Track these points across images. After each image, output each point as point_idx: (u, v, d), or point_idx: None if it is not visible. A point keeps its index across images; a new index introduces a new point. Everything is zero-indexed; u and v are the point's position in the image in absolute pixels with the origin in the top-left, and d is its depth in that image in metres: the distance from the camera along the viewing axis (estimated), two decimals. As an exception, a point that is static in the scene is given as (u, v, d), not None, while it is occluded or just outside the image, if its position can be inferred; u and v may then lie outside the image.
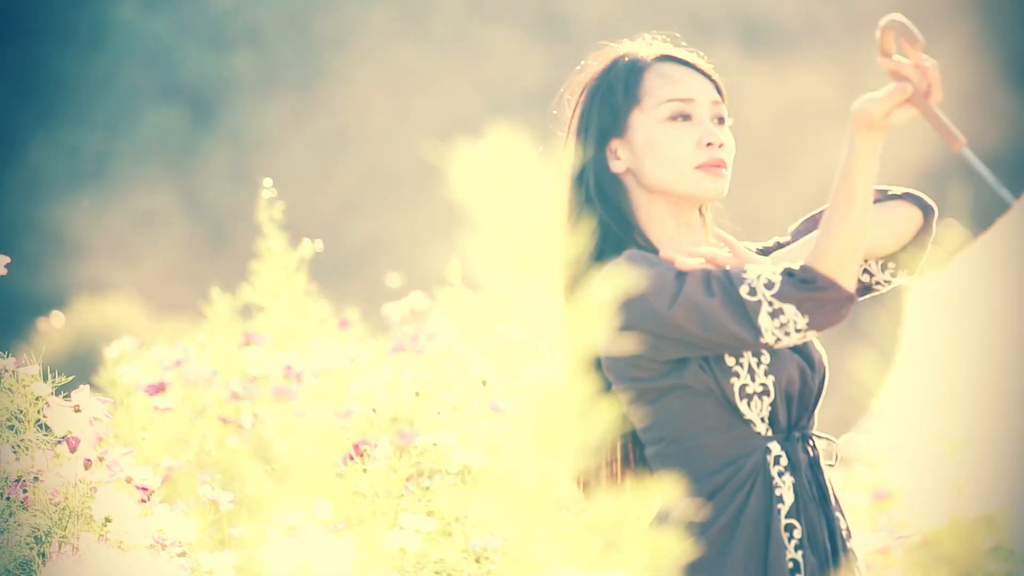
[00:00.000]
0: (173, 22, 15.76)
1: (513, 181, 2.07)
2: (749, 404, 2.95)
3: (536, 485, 2.04)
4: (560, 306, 2.98)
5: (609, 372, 2.96)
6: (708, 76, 3.08)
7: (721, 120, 3.06)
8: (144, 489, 3.35)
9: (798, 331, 2.84)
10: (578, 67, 3.14)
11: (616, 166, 3.04)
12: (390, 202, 13.88)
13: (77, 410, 3.35)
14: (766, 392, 2.96)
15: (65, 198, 15.22)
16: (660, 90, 3.03)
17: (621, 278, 2.87)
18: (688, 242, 3.05)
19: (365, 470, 3.76)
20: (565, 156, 3.09)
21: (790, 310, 2.83)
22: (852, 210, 2.82)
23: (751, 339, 2.84)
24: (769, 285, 2.84)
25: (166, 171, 15.53)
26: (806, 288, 2.84)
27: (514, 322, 4.44)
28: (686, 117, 3.02)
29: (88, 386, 3.42)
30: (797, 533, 2.95)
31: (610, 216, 3.02)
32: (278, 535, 3.39)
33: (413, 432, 4.49)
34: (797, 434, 3.01)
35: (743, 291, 2.85)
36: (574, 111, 3.10)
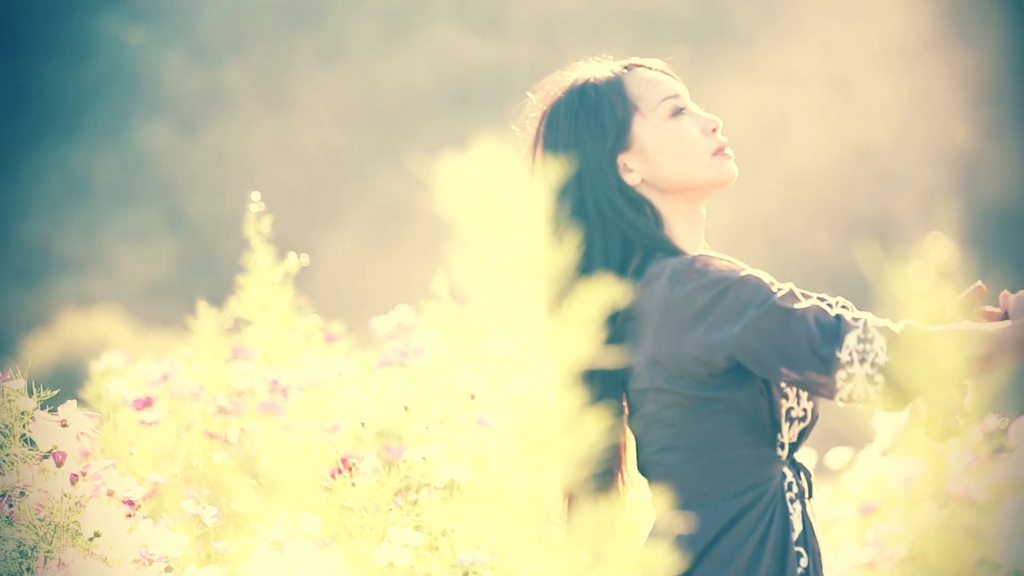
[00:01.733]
0: (159, 37, 15.77)
1: (499, 194, 2.07)
2: (790, 427, 2.94)
3: (524, 499, 2.03)
4: (551, 321, 2.96)
5: (652, 371, 2.92)
6: (670, 75, 3.10)
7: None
8: (129, 503, 3.34)
9: (874, 366, 2.77)
10: (528, 102, 3.11)
11: (630, 179, 3.02)
12: (377, 215, 13.88)
13: (63, 425, 3.34)
14: (804, 418, 2.96)
15: (52, 213, 15.21)
16: (651, 92, 3.03)
17: (707, 280, 2.85)
18: (698, 241, 3.04)
19: (352, 484, 3.75)
20: (542, 188, 3.06)
21: (879, 342, 2.79)
22: (1002, 363, 2.83)
23: (825, 350, 2.77)
24: (876, 319, 2.82)
25: (152, 186, 15.52)
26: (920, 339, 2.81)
27: (502, 336, 4.44)
28: (682, 111, 3.03)
29: (74, 401, 3.41)
30: (804, 562, 2.94)
31: (642, 229, 2.99)
32: (265, 550, 3.38)
33: (400, 446, 4.48)
34: (795, 462, 3.00)
35: (846, 312, 2.83)
36: (540, 146, 3.06)
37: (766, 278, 2.86)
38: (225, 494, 4.40)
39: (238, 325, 5.59)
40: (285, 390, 4.77)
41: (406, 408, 3.92)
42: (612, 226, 2.99)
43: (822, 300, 3.08)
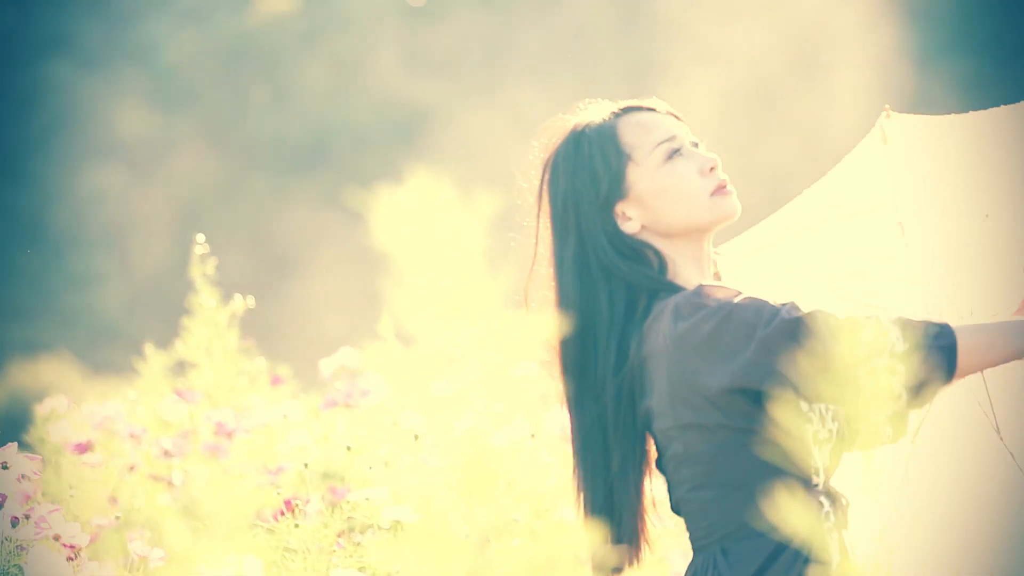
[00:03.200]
0: (110, 81, 15.74)
1: (439, 231, 2.07)
2: (819, 451, 2.91)
3: (467, 539, 2.04)
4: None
5: (675, 409, 2.90)
6: (664, 111, 3.05)
7: (696, 145, 3.02)
8: (72, 547, 3.32)
9: (892, 356, 2.73)
10: (530, 152, 3.08)
11: (630, 227, 2.99)
12: (327, 258, 13.87)
13: (4, 467, 3.33)
14: (829, 439, 2.92)
15: (1, 259, 15.14)
16: (644, 138, 2.99)
17: (718, 310, 2.81)
18: (706, 277, 3.01)
19: (296, 525, 3.74)
20: (547, 242, 3.03)
21: (895, 332, 2.76)
22: (1013, 355, 2.82)
23: None
24: (894, 316, 2.78)
25: (103, 230, 15.48)
26: (936, 328, 2.78)
27: (446, 377, 4.43)
28: (678, 152, 2.98)
29: (16, 444, 3.39)
30: None
31: (643, 277, 2.96)
32: (207, 592, 3.36)
33: (345, 488, 4.47)
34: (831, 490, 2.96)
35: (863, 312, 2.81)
36: (544, 196, 3.04)
37: (766, 297, 2.83)
38: (168, 536, 4.38)
39: (184, 367, 5.57)
40: (230, 432, 4.75)
41: (349, 448, 3.91)
42: (614, 276, 2.97)
43: None
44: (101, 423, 4.79)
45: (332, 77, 15.11)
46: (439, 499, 2.14)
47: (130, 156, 15.50)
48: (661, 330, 2.87)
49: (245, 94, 15.39)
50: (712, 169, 2.98)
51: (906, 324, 2.76)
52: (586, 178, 2.99)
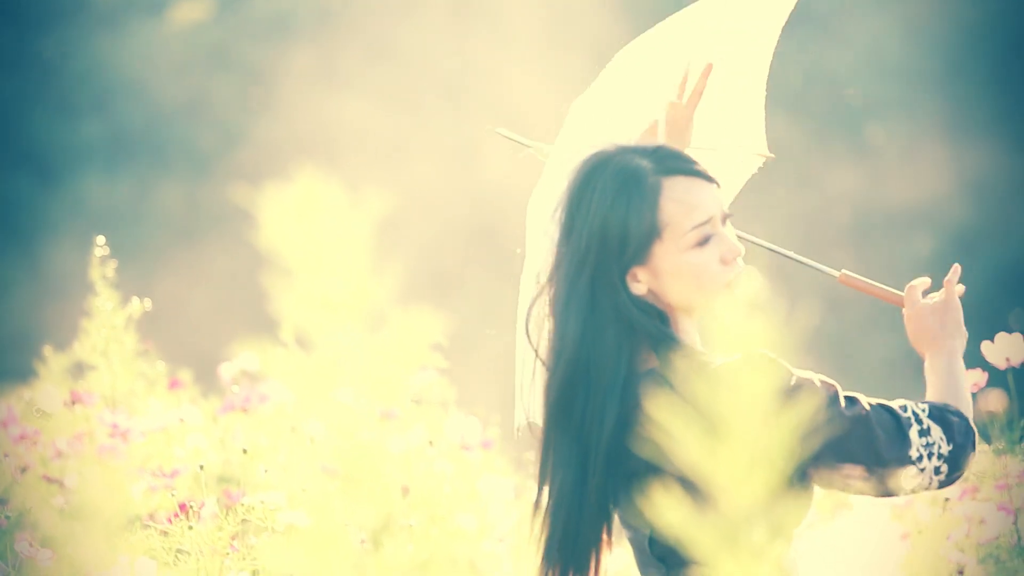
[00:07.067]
0: (20, 86, 15.63)
1: (324, 229, 2.07)
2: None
3: (360, 543, 2.05)
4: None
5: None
6: (708, 176, 2.98)
7: (725, 218, 2.98)
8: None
9: (940, 457, 2.84)
10: (571, 175, 2.97)
11: (637, 288, 2.94)
12: (232, 265, 13.83)
13: None
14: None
15: (-95, 263, 14.99)
16: (682, 220, 2.92)
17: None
18: (696, 340, 3.00)
19: (190, 528, 3.73)
20: (558, 264, 2.98)
21: (936, 432, 2.85)
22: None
23: (898, 452, 2.83)
24: (921, 406, 2.87)
25: (11, 237, 15.35)
26: (955, 415, 2.89)
27: (345, 383, 4.44)
28: (709, 239, 2.94)
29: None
30: None
31: (652, 324, 2.92)
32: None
33: (240, 491, 4.47)
34: None
35: (895, 405, 2.86)
36: (568, 220, 2.97)
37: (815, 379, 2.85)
38: (60, 538, 4.36)
39: (83, 370, 5.54)
40: (125, 434, 4.72)
41: (245, 452, 3.91)
42: (624, 319, 2.92)
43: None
44: (-1, 426, 4.76)
45: (246, 89, 15.07)
46: (333, 503, 2.14)
47: (39, 162, 15.39)
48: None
49: (156, 102, 15.32)
50: (735, 259, 2.96)
51: (946, 426, 2.90)
52: (615, 233, 2.92)
